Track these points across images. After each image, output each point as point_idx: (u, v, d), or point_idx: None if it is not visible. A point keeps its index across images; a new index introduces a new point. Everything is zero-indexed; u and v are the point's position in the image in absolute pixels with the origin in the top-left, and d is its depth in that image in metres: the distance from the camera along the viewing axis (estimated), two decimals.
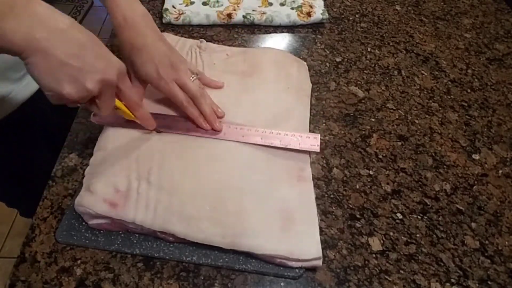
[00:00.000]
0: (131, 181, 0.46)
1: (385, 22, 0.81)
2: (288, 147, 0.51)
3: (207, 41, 0.66)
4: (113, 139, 0.50)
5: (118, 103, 0.44)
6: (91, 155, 0.50)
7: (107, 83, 0.39)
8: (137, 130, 0.51)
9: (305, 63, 0.67)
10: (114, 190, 0.45)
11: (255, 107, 0.55)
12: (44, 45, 0.35)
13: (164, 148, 0.49)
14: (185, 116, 0.52)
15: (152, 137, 0.50)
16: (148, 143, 0.50)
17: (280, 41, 0.74)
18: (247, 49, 0.67)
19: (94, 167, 0.48)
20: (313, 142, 0.52)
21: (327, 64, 0.70)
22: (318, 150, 0.51)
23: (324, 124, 0.60)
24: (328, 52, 0.72)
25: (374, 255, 0.46)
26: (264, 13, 0.75)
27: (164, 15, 0.74)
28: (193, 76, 0.52)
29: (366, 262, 0.45)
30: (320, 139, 0.57)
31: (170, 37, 0.68)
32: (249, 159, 0.50)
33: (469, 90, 0.68)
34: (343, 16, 0.81)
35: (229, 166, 0.49)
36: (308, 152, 0.53)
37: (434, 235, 0.48)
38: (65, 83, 0.36)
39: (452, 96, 0.66)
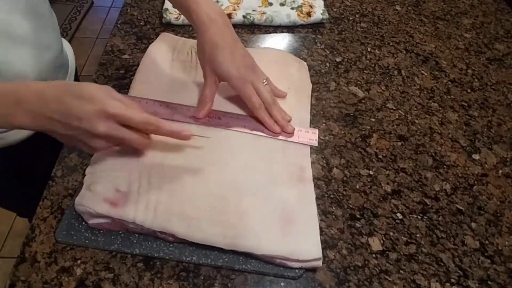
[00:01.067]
0: (132, 181, 0.46)
1: (385, 22, 0.81)
2: (288, 139, 0.53)
3: None
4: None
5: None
6: (91, 155, 0.50)
7: (107, 117, 0.40)
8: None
9: (305, 63, 0.67)
10: (114, 190, 0.45)
11: None
12: (48, 125, 0.40)
13: (166, 149, 0.49)
14: (247, 115, 0.54)
15: (154, 136, 0.50)
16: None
17: (280, 41, 0.74)
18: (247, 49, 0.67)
19: (95, 166, 0.48)
20: (311, 136, 0.54)
21: (327, 64, 0.70)
22: (316, 144, 0.53)
23: (324, 124, 0.60)
24: (328, 52, 0.72)
25: (374, 255, 0.46)
26: (264, 13, 0.75)
27: (164, 15, 0.74)
28: (264, 81, 0.54)
29: (366, 262, 0.45)
30: (320, 139, 0.57)
31: (170, 37, 0.68)
32: (249, 159, 0.50)
33: (469, 90, 0.68)
34: (343, 16, 0.81)
35: (229, 167, 0.49)
36: (309, 152, 0.53)
37: (434, 235, 0.48)
38: (81, 146, 0.43)
39: (452, 96, 0.66)
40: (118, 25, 0.74)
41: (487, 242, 0.48)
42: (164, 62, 0.63)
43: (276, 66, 0.62)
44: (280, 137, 0.53)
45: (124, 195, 0.45)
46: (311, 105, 0.62)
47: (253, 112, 0.54)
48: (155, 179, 0.46)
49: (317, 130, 0.54)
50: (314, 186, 0.50)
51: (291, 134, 0.53)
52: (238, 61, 0.52)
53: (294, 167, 0.51)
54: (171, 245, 0.45)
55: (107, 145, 0.42)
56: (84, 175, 0.48)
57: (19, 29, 0.51)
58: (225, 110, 0.55)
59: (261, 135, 0.53)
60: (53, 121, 0.40)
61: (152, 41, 0.71)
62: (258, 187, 0.48)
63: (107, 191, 0.45)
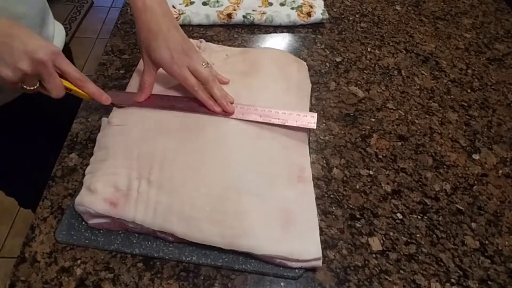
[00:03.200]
0: (132, 180, 0.46)
1: (385, 22, 0.81)
2: (286, 124, 0.53)
3: (206, 41, 0.66)
4: (113, 137, 0.50)
5: (67, 83, 0.47)
6: (91, 155, 0.50)
7: (39, 62, 0.43)
8: (137, 128, 0.51)
9: (305, 63, 0.66)
10: (114, 189, 0.45)
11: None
12: None
13: (165, 147, 0.49)
14: (190, 97, 0.54)
15: (154, 136, 0.50)
16: (150, 142, 0.50)
17: (280, 41, 0.74)
18: (246, 49, 0.67)
19: (94, 166, 0.48)
20: (310, 120, 0.53)
21: (327, 64, 0.70)
22: (315, 127, 0.53)
23: (324, 124, 0.60)
24: (328, 52, 0.72)
25: (374, 255, 0.46)
26: (264, 13, 0.75)
27: None
28: (204, 63, 0.54)
29: (366, 262, 0.45)
30: (320, 139, 0.57)
31: None
32: (249, 158, 0.50)
33: (469, 90, 0.68)
34: (343, 16, 0.81)
35: (229, 166, 0.49)
36: (308, 152, 0.53)
37: (434, 235, 0.48)
38: (1, 66, 0.42)
39: (452, 96, 0.66)
40: (118, 25, 0.74)
41: (487, 242, 0.48)
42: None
43: (275, 66, 0.62)
44: (277, 122, 0.53)
45: (124, 195, 0.45)
46: (311, 105, 0.62)
47: (193, 94, 0.53)
48: (156, 178, 0.46)
49: (316, 114, 0.54)
50: (314, 186, 0.50)
51: (286, 117, 0.53)
52: (173, 46, 0.52)
53: (294, 167, 0.50)
54: (171, 245, 0.45)
55: (24, 74, 0.43)
56: (84, 175, 0.48)
57: None
58: (232, 95, 0.55)
59: (201, 113, 0.53)
60: None
61: None
62: (258, 187, 0.47)
63: (106, 190, 0.45)
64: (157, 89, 0.57)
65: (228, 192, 0.46)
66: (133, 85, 0.58)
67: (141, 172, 0.47)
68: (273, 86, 0.59)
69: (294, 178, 0.49)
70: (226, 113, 0.53)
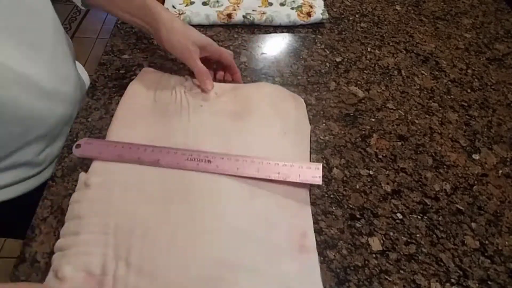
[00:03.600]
0: (107, 261, 0.40)
1: (385, 22, 0.81)
2: (287, 180, 0.47)
3: None
4: (89, 204, 0.44)
5: None
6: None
7: None
8: (116, 193, 0.45)
9: (302, 99, 0.61)
10: (86, 274, 0.39)
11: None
12: None
13: (147, 218, 0.43)
14: (178, 149, 0.50)
15: (135, 202, 0.45)
16: (130, 210, 0.44)
17: (280, 41, 0.74)
18: (237, 85, 0.60)
19: (65, 240, 0.42)
20: (314, 173, 0.47)
21: (327, 64, 0.70)
22: (320, 183, 0.47)
23: (324, 124, 0.60)
24: (328, 52, 0.72)
25: (374, 255, 0.46)
26: (264, 13, 0.75)
27: None
28: None
29: (366, 262, 0.45)
30: (320, 139, 0.57)
31: (152, 73, 0.62)
32: (244, 225, 0.44)
33: (469, 90, 0.68)
34: (343, 16, 0.81)
35: (222, 238, 0.42)
36: (310, 212, 0.47)
37: (434, 235, 0.48)
38: None
39: (452, 96, 0.66)
40: (118, 25, 0.74)
41: (487, 242, 0.48)
42: (145, 104, 0.56)
43: (270, 105, 0.56)
44: (278, 177, 0.47)
45: (98, 282, 0.38)
46: (311, 105, 0.62)
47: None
48: (135, 259, 0.40)
49: (321, 164, 0.48)
50: (315, 186, 0.50)
51: (287, 171, 0.47)
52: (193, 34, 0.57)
53: (295, 232, 0.44)
54: None
55: None
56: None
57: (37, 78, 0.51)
58: (213, 151, 0.50)
59: (189, 170, 0.47)
60: None
61: (153, 41, 0.71)
62: (255, 260, 0.41)
63: (77, 276, 0.38)
64: (141, 137, 0.52)
65: (222, 271, 0.40)
66: (115, 133, 0.53)
67: (118, 251, 0.40)
68: (268, 131, 0.53)
69: (295, 247, 0.43)
70: (284, 174, 0.47)
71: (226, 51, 0.59)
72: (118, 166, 0.48)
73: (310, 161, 0.53)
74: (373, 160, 0.56)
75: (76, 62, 0.68)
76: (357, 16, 0.82)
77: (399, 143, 0.58)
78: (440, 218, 0.50)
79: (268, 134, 0.53)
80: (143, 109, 0.56)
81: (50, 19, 0.54)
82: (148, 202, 0.45)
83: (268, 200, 0.47)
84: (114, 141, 0.51)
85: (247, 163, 0.48)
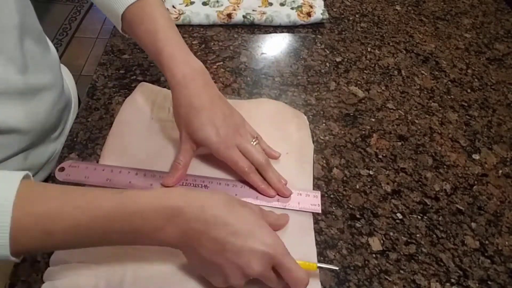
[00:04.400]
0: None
1: (385, 22, 0.81)
2: (287, 207, 0.46)
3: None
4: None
5: None
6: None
7: (267, 259, 0.36)
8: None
9: (305, 117, 0.59)
10: None
11: None
12: (194, 244, 0.36)
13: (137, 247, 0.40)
14: (237, 180, 0.48)
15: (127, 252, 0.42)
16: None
17: (280, 41, 0.74)
18: (239, 102, 0.58)
19: (54, 269, 0.40)
20: (313, 201, 0.47)
21: (327, 64, 0.70)
22: (319, 211, 0.47)
23: (324, 124, 0.60)
24: (328, 52, 0.72)
25: (374, 255, 0.46)
26: (264, 13, 0.75)
27: None
28: (253, 140, 0.49)
29: (366, 262, 0.45)
30: (320, 139, 0.57)
31: (149, 88, 0.60)
32: None
33: (469, 90, 0.68)
34: (343, 16, 0.81)
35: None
36: (314, 238, 0.46)
37: (434, 235, 0.48)
38: (213, 276, 0.38)
39: (452, 96, 0.66)
40: None
41: (487, 242, 0.48)
42: (141, 122, 0.54)
43: (272, 124, 0.55)
44: (277, 204, 0.46)
45: None
46: (311, 105, 0.62)
47: (245, 177, 0.47)
48: (128, 285, 0.38)
49: (319, 192, 0.48)
50: (314, 186, 0.50)
51: (287, 198, 0.47)
52: (218, 123, 0.46)
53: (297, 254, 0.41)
54: None
55: (244, 281, 0.37)
56: None
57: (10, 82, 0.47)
58: (211, 176, 0.48)
59: (257, 203, 0.45)
60: (202, 243, 0.35)
61: None
62: None
63: None
64: (135, 155, 0.49)
65: None
66: (109, 153, 0.50)
67: (111, 276, 0.39)
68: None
69: None
70: (283, 200, 0.47)
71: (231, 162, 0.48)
72: None
73: (313, 181, 0.52)
74: (373, 160, 0.56)
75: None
76: (357, 16, 0.82)
77: (399, 143, 0.58)
78: (440, 218, 0.50)
79: (266, 148, 0.52)
80: (139, 126, 0.54)
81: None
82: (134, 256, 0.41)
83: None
84: (102, 164, 0.49)
85: (245, 189, 0.47)
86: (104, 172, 0.47)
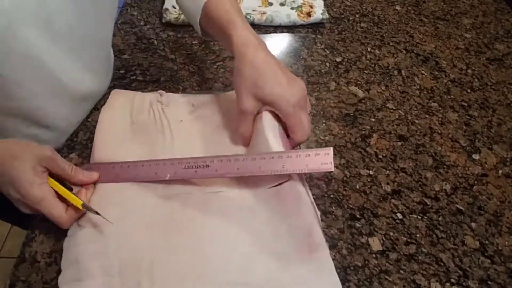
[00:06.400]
0: None
1: (385, 22, 0.81)
2: (295, 172, 0.43)
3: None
4: (85, 246, 0.41)
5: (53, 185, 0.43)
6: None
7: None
8: (114, 228, 0.42)
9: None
10: None
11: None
12: None
13: (150, 250, 0.41)
14: (237, 155, 0.46)
15: (135, 234, 0.42)
16: (131, 245, 0.41)
17: (280, 41, 0.74)
18: (218, 96, 0.58)
19: None
20: (324, 159, 0.42)
21: (327, 64, 0.70)
22: (333, 169, 0.41)
23: (324, 124, 0.60)
24: (328, 52, 0.72)
25: (374, 255, 0.46)
26: (264, 13, 0.75)
27: (164, 15, 0.74)
28: (310, 112, 0.50)
29: (366, 262, 0.45)
30: (320, 139, 0.57)
31: (122, 94, 0.58)
32: (252, 245, 0.42)
33: (469, 90, 0.68)
34: (343, 16, 0.81)
35: (230, 260, 0.41)
36: (311, 207, 0.44)
37: (434, 235, 0.48)
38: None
39: (452, 96, 0.66)
40: (118, 25, 0.74)
41: (487, 242, 0.48)
42: (123, 129, 0.53)
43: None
44: (283, 171, 0.42)
45: None
46: (311, 105, 0.62)
47: (291, 137, 0.47)
48: None
49: (331, 149, 0.42)
50: (314, 186, 0.50)
51: (294, 163, 0.42)
52: (292, 85, 0.45)
53: (301, 233, 0.42)
54: None
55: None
56: None
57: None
58: (211, 154, 0.48)
59: (261, 174, 0.43)
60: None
61: (153, 41, 0.71)
62: (267, 275, 0.40)
63: None
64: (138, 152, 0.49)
65: None
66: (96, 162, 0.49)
67: None
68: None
69: (304, 249, 0.41)
70: (293, 166, 0.42)
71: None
72: (112, 194, 0.46)
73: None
74: (373, 160, 0.56)
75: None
76: (357, 16, 0.82)
77: (399, 143, 0.58)
78: (440, 218, 0.50)
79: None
80: (122, 134, 0.52)
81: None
82: (149, 234, 0.42)
83: (269, 213, 0.44)
84: (108, 162, 0.48)
85: (248, 161, 0.44)
86: (114, 169, 0.48)
